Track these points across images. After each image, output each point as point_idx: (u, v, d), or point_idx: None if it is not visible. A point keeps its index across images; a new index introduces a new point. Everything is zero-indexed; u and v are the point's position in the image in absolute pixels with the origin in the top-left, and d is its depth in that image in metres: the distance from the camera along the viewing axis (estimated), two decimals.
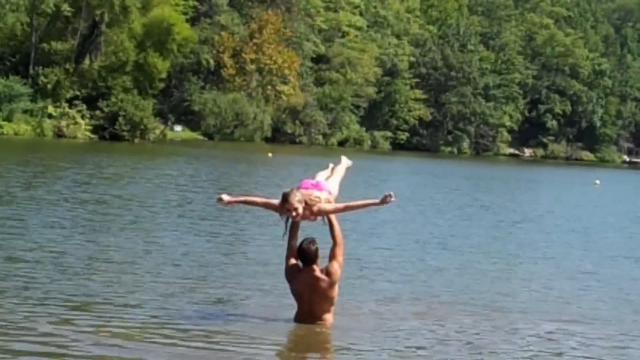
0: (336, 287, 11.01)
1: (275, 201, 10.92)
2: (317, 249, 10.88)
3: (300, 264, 10.98)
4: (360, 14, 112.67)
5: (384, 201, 10.83)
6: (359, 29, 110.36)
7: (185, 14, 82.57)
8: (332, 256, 11.00)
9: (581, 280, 16.77)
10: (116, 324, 10.61)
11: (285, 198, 10.68)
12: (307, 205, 10.72)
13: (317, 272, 10.88)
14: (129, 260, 15.01)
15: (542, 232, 25.63)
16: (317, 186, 11.01)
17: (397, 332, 11.28)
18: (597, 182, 58.44)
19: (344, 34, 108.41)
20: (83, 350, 9.47)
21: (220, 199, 11.07)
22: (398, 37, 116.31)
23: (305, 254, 10.85)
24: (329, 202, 10.92)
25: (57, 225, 18.64)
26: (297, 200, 10.65)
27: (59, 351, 9.40)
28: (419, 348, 10.58)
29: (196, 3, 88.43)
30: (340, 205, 11.03)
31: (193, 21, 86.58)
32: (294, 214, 10.71)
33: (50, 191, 25.82)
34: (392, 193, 10.76)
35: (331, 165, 11.84)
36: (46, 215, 20.12)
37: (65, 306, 11.35)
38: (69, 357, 9.24)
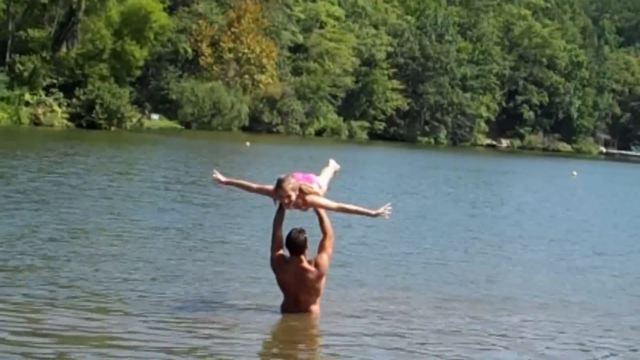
0: (324, 279, 10.96)
1: (270, 186, 10.98)
2: (305, 239, 10.80)
3: (287, 254, 10.90)
4: (339, 4, 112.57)
5: (378, 214, 10.95)
6: (337, 19, 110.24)
7: (162, 2, 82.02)
8: (321, 248, 10.96)
9: (560, 270, 16.78)
10: (97, 316, 10.48)
11: (280, 184, 10.75)
12: (301, 193, 10.76)
13: (305, 263, 10.80)
14: (103, 251, 14.82)
15: (519, 223, 25.63)
16: (308, 179, 11.00)
17: (382, 321, 11.23)
18: (575, 173, 58.64)
19: (322, 24, 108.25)
20: (51, 348, 9.24)
21: (217, 178, 11.18)
22: (376, 27, 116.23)
23: (293, 243, 10.77)
24: (319, 195, 10.91)
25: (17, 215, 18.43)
26: (290, 187, 10.71)
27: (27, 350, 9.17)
28: (403, 337, 10.54)
29: None
30: (333, 203, 11.02)
31: (171, 10, 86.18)
32: (286, 201, 10.78)
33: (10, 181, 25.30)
34: (388, 210, 10.89)
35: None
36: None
37: (37, 300, 11.19)
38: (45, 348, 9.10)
